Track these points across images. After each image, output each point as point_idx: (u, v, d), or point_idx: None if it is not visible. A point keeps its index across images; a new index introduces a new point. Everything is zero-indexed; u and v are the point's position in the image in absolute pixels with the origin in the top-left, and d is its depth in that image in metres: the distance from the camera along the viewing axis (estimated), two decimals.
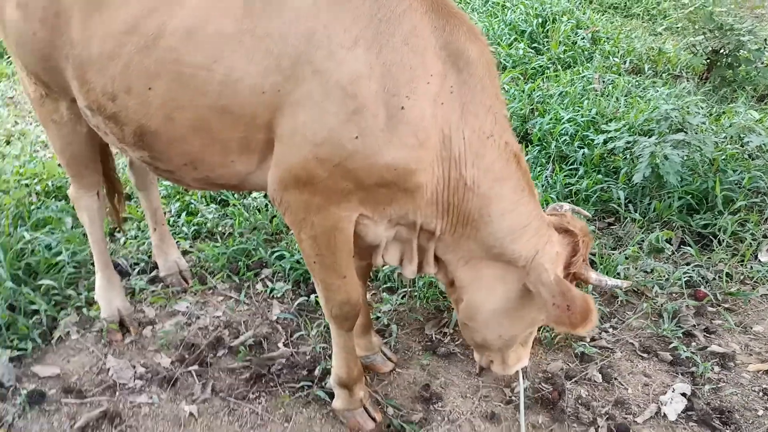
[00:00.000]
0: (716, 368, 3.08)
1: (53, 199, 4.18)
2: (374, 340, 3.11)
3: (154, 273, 3.70)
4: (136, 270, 3.73)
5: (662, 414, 2.82)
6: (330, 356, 3.05)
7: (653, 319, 3.38)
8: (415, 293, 3.49)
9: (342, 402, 2.82)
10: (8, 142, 5.13)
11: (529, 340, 2.68)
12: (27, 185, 4.12)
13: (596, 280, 2.37)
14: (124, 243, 3.96)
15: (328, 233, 2.29)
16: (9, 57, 6.68)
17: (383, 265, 3.35)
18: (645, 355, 3.16)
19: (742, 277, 3.64)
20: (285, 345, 3.25)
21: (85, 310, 3.39)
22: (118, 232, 4.01)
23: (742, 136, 4.33)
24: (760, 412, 2.85)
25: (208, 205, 4.24)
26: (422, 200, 2.23)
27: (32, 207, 4.00)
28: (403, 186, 2.16)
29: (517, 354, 2.67)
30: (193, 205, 4.23)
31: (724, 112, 4.97)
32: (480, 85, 2.15)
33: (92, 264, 3.65)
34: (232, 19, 2.11)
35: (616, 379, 3.02)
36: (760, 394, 2.95)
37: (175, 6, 2.18)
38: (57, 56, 2.51)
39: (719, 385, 2.99)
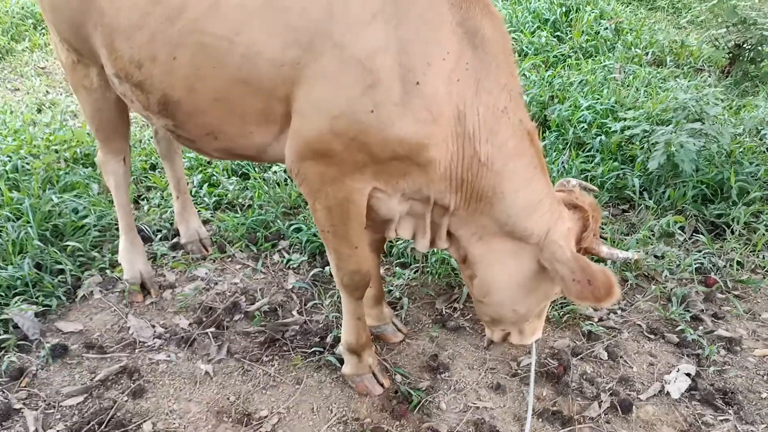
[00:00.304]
0: (722, 351, 3.12)
1: (81, 166, 4.30)
2: (386, 311, 3.19)
3: (175, 240, 3.81)
4: (158, 236, 3.84)
5: (666, 392, 2.87)
6: (341, 325, 3.15)
7: (662, 302, 3.43)
8: (428, 269, 3.57)
9: (351, 367, 2.90)
10: (39, 110, 5.27)
11: (544, 312, 2.73)
12: (56, 151, 4.24)
13: (608, 253, 2.41)
14: (148, 210, 4.07)
15: (342, 204, 2.35)
16: (43, 27, 6.84)
17: (397, 239, 3.45)
18: (652, 336, 3.21)
19: (753, 266, 3.67)
20: (299, 313, 3.34)
21: (108, 271, 3.51)
22: (142, 199, 4.13)
23: (760, 128, 4.34)
24: (764, 395, 2.89)
25: (229, 177, 4.34)
26: (435, 175, 2.27)
27: (60, 172, 4.13)
28: (416, 160, 2.21)
29: (532, 326, 2.72)
30: (215, 177, 4.33)
31: (744, 106, 4.97)
32: (495, 63, 2.18)
33: (116, 228, 3.79)
34: None
35: (621, 357, 3.08)
36: (765, 377, 2.99)
37: None
38: (88, 24, 2.60)
39: (724, 368, 3.03)
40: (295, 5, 2.12)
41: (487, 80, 2.16)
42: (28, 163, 4.13)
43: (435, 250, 3.51)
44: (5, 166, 4.05)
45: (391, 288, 3.47)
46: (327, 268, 3.56)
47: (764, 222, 3.87)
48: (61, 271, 3.45)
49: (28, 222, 3.53)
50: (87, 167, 4.31)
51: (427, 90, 2.08)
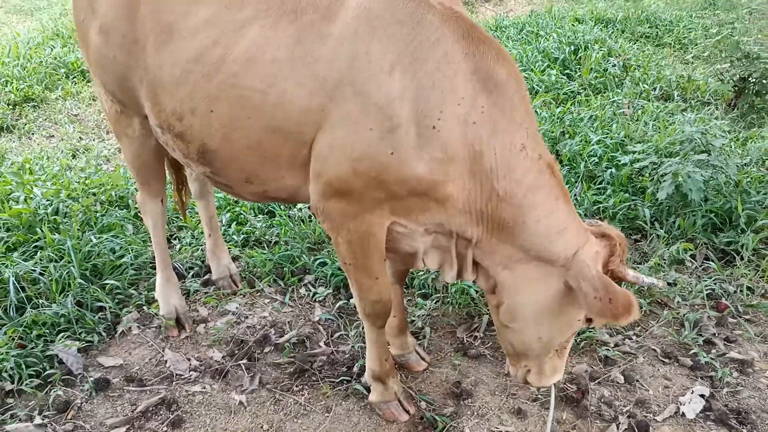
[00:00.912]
0: (735, 373, 3.23)
1: (116, 208, 4.53)
2: (409, 340, 3.34)
3: (207, 276, 4.00)
4: (191, 273, 4.04)
5: (681, 413, 2.99)
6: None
7: (675, 328, 3.55)
8: (448, 299, 3.72)
9: (378, 395, 3.04)
10: (74, 156, 5.54)
11: (565, 351, 2.78)
12: (94, 194, 4.47)
13: (633, 277, 2.49)
14: (180, 249, 4.28)
15: (363, 238, 2.53)
16: (74, 76, 7.18)
17: (418, 270, 3.62)
18: (666, 360, 3.33)
19: (763, 291, 3.79)
20: (326, 344, 3.50)
21: (145, 307, 3.70)
22: (174, 238, 4.35)
23: (765, 158, 4.49)
24: None
25: (256, 215, 4.55)
26: (454, 209, 2.43)
27: (98, 214, 4.36)
28: (433, 196, 2.38)
29: (553, 364, 2.76)
30: (242, 216, 4.54)
31: (750, 137, 5.13)
32: (509, 104, 2.34)
33: (152, 266, 4.00)
34: (285, 48, 2.38)
35: (637, 381, 3.20)
36: None
37: (236, 38, 2.47)
38: (133, 78, 2.83)
39: (737, 389, 3.14)
40: (321, 58, 2.33)
41: (503, 121, 2.32)
42: (67, 206, 4.37)
43: (453, 284, 3.69)
44: (46, 209, 4.29)
45: (414, 318, 3.62)
46: (351, 301, 3.72)
47: None
48: (101, 309, 3.65)
49: (70, 262, 3.74)
50: (122, 209, 4.54)
51: (442, 133, 2.26)
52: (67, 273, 3.69)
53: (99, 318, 3.58)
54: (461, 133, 2.28)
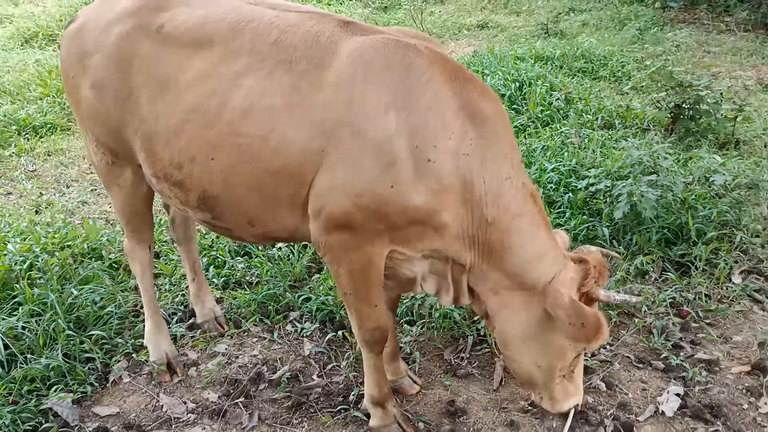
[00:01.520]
0: (704, 372, 3.49)
1: (91, 260, 4.53)
2: (401, 365, 3.48)
3: (191, 321, 4.05)
4: (175, 319, 4.08)
5: (660, 412, 3.21)
6: (361, 383, 3.42)
7: (644, 335, 3.80)
8: (433, 324, 3.88)
9: (378, 419, 3.16)
10: (37, 212, 5.50)
11: (576, 375, 2.91)
12: (69, 247, 4.47)
13: (605, 296, 2.66)
14: (160, 296, 4.31)
15: (364, 268, 2.68)
16: (26, 133, 7.12)
17: (409, 298, 3.76)
18: (640, 365, 3.57)
19: (719, 297, 4.10)
20: (319, 376, 3.59)
21: (134, 355, 3.72)
22: (154, 286, 4.38)
23: (707, 176, 4.87)
24: (745, 406, 3.26)
25: (233, 258, 4.63)
26: (450, 236, 2.61)
27: (73, 267, 4.35)
28: (430, 224, 2.55)
29: (563, 388, 2.88)
30: (219, 259, 4.62)
31: (690, 158, 5.54)
32: (496, 137, 2.57)
33: (134, 315, 4.04)
34: (281, 95, 2.54)
35: (617, 386, 3.41)
36: (744, 391, 3.36)
37: (233, 88, 2.61)
38: (126, 130, 2.93)
39: (708, 386, 3.39)
40: (318, 103, 2.50)
41: (490, 152, 2.53)
42: (42, 261, 4.35)
43: (437, 306, 3.86)
44: (21, 265, 4.26)
45: (402, 345, 3.76)
46: (340, 332, 3.84)
47: (723, 258, 4.33)
48: (90, 359, 3.65)
49: (55, 315, 3.73)
50: (96, 260, 4.54)
51: (437, 166, 2.45)
52: (52, 326, 3.68)
53: (89, 369, 3.58)
54: (454, 165, 2.47)
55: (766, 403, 3.25)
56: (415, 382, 3.49)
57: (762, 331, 3.71)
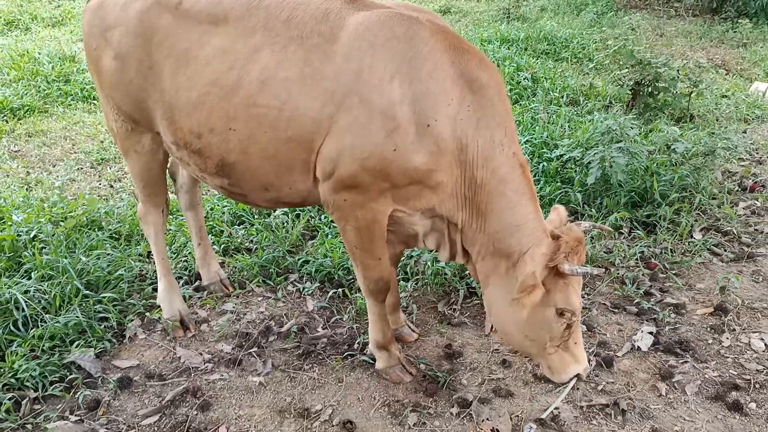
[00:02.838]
0: (672, 314, 3.90)
1: (92, 230, 4.68)
2: (401, 315, 3.78)
3: (197, 284, 4.27)
4: (181, 282, 4.28)
5: (636, 348, 3.59)
6: (365, 332, 3.71)
7: (618, 285, 4.19)
8: (426, 280, 4.19)
9: (383, 361, 3.45)
10: (28, 189, 5.60)
11: (570, 346, 2.96)
12: (72, 217, 4.62)
13: (569, 270, 2.74)
14: None
15: (369, 224, 2.94)
16: (4, 116, 7.14)
17: (405, 256, 4.05)
18: (615, 310, 3.96)
19: (682, 251, 4.53)
20: (324, 328, 3.86)
21: (147, 314, 3.93)
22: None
23: (669, 145, 5.30)
24: (710, 341, 3.67)
25: (230, 227, 4.85)
26: (444, 194, 2.86)
27: (75, 237, 4.51)
28: (427, 183, 2.81)
29: (561, 358, 2.96)
30: (216, 228, 4.83)
31: (651, 130, 5.98)
32: (491, 104, 2.78)
33: (141, 280, 4.22)
34: (295, 68, 2.76)
35: (596, 328, 3.79)
36: (708, 329, 3.78)
37: (249, 63, 2.83)
38: (148, 100, 3.13)
39: (676, 326, 3.80)
40: (328, 74, 2.73)
41: (485, 118, 2.76)
42: (44, 231, 4.48)
43: (430, 264, 4.17)
44: (27, 235, 4.40)
45: (400, 299, 4.05)
46: (340, 290, 4.11)
47: (684, 217, 4.76)
48: (104, 319, 3.84)
49: (69, 279, 3.90)
50: (98, 231, 4.69)
51: (436, 130, 2.70)
52: (68, 288, 3.85)
53: (105, 327, 3.77)
54: (451, 129, 2.72)
55: (727, 338, 3.67)
56: (413, 331, 3.79)
57: (721, 278, 4.14)
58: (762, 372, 3.42)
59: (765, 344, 3.62)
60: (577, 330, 2.98)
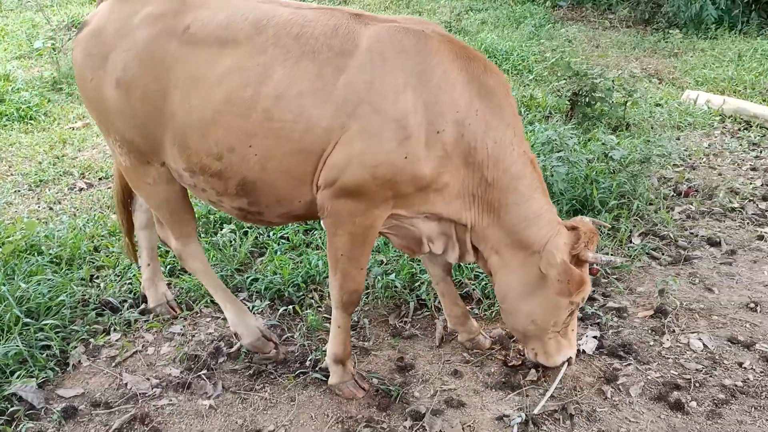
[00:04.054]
0: (615, 318, 4.02)
1: (31, 255, 4.53)
2: (474, 323, 3.77)
3: (142, 306, 4.18)
4: (126, 306, 4.19)
5: (582, 351, 3.68)
6: (316, 349, 3.71)
7: None
8: (377, 293, 4.21)
9: (337, 376, 3.44)
10: None
11: (568, 332, 3.26)
12: (10, 242, 4.47)
13: (593, 257, 2.99)
14: (105, 287, 4.38)
15: (365, 231, 2.98)
16: None
17: (374, 264, 4.06)
18: None
19: (623, 255, 4.67)
20: (275, 347, 3.84)
21: (92, 341, 3.82)
22: (97, 278, 4.46)
23: (606, 153, 5.48)
24: (651, 343, 3.80)
25: None
26: (450, 195, 2.95)
27: (15, 262, 4.36)
28: (434, 186, 2.90)
29: (556, 344, 3.24)
30: (161, 249, 4.74)
31: (589, 139, 6.17)
32: (499, 107, 2.91)
33: (84, 305, 4.11)
34: (308, 81, 2.82)
35: None
36: (649, 331, 3.90)
37: (264, 79, 2.86)
38: (155, 127, 3.06)
39: (619, 329, 3.92)
40: (340, 84, 2.79)
41: (494, 121, 2.89)
42: None
43: (380, 278, 4.20)
44: None
45: None
46: (290, 307, 4.09)
47: (623, 223, 4.93)
48: (46, 347, 3.72)
49: (8, 306, 3.77)
50: (38, 255, 4.55)
51: (445, 136, 2.81)
52: (8, 317, 3.72)
53: (47, 356, 3.66)
54: (459, 134, 2.83)
55: (668, 339, 3.80)
56: (486, 337, 3.76)
57: (660, 281, 4.29)
58: (701, 371, 3.56)
59: (703, 344, 3.76)
60: (575, 317, 3.26)
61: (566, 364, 3.40)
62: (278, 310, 4.11)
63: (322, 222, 3.11)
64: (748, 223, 5.23)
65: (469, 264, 4.40)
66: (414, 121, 2.77)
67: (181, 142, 3.03)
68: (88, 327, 3.93)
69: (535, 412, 3.25)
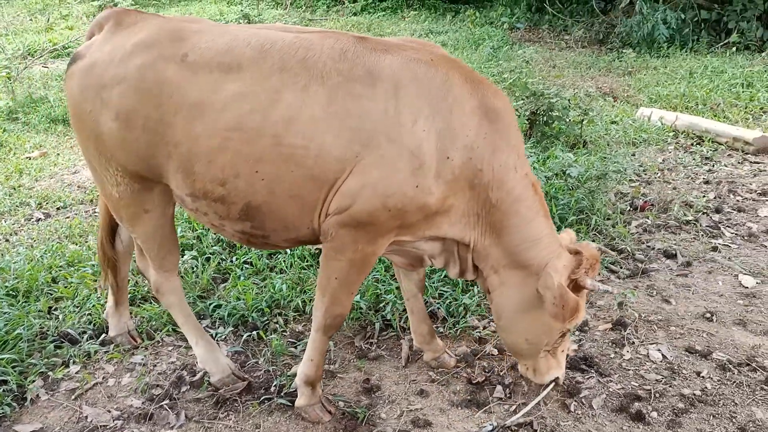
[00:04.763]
0: (577, 332, 4.07)
1: None
2: (439, 342, 3.81)
3: (102, 337, 4.10)
4: (85, 337, 4.10)
5: None
6: (281, 374, 3.69)
7: None
8: None
9: (305, 399, 3.39)
10: None
11: (558, 353, 3.31)
12: None
13: (591, 285, 3.02)
14: (65, 319, 4.29)
15: (366, 258, 2.99)
16: None
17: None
18: None
19: None
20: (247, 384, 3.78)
21: (50, 374, 3.73)
22: (56, 309, 4.37)
23: (564, 170, 5.59)
24: (612, 355, 3.86)
25: (136, 275, 4.70)
26: (456, 216, 2.98)
27: None
28: (440, 210, 2.92)
29: (547, 363, 3.29)
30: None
31: (548, 157, 6.29)
32: (506, 131, 2.96)
33: (42, 338, 4.02)
34: (319, 106, 2.80)
35: (506, 351, 3.91)
36: (609, 343, 3.97)
37: (272, 104, 2.82)
38: (159, 155, 3.00)
39: (581, 342, 3.98)
40: (354, 112, 2.79)
41: (501, 144, 2.92)
42: None
43: None
44: None
45: None
46: (254, 333, 4.06)
47: (582, 238, 5.01)
48: (3, 382, 3.63)
49: None
50: None
51: (454, 160, 2.83)
52: None
53: (4, 391, 3.56)
54: (468, 158, 2.85)
55: (628, 351, 3.87)
56: (451, 356, 3.79)
57: (618, 294, 4.37)
58: (660, 381, 3.63)
59: (662, 355, 3.84)
60: (567, 339, 3.32)
61: (552, 383, 3.44)
62: (242, 336, 4.07)
63: (322, 245, 3.08)
64: (702, 235, 5.38)
65: (434, 284, 4.45)
66: (426, 149, 2.78)
67: (185, 169, 2.97)
68: (46, 360, 3.84)
69: (507, 423, 3.29)
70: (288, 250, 4.86)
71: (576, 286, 3.06)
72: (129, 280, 4.56)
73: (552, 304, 2.93)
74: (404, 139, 2.78)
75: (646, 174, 6.68)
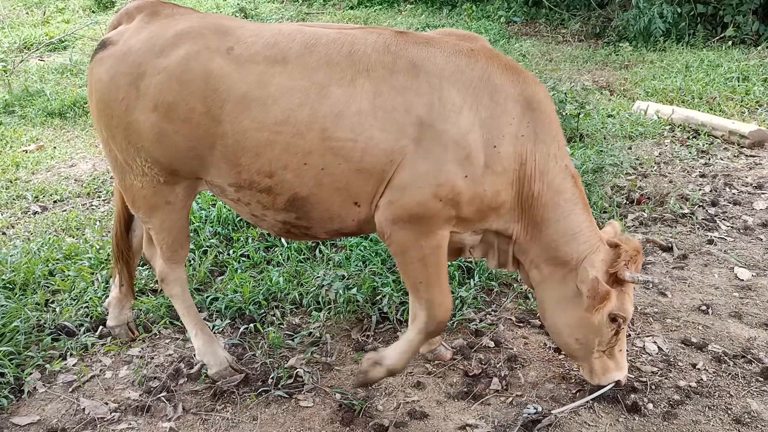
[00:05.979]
0: None
1: None
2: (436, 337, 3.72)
3: (99, 331, 4.10)
4: (83, 330, 4.10)
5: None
6: (278, 366, 3.70)
7: (521, 300, 4.37)
8: (339, 308, 4.21)
9: (377, 375, 3.32)
10: None
11: (615, 352, 3.20)
12: None
13: (629, 277, 2.97)
14: (62, 312, 4.30)
15: (435, 251, 2.99)
16: None
17: (315, 285, 4.08)
18: (521, 324, 4.12)
19: None
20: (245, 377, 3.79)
21: (47, 366, 3.74)
22: (52, 302, 4.37)
23: None
24: None
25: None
26: (504, 210, 3.00)
27: None
28: (492, 205, 2.94)
29: (602, 364, 3.20)
30: None
31: None
32: (547, 120, 2.97)
33: (39, 330, 4.02)
34: (366, 100, 2.82)
35: (503, 343, 3.92)
36: None
37: (320, 98, 2.85)
38: (201, 147, 2.98)
39: None
40: (399, 105, 2.82)
41: (542, 133, 2.93)
42: None
43: (342, 292, 4.21)
44: None
45: (311, 330, 4.06)
46: (251, 325, 4.07)
47: None
48: (0, 374, 3.63)
49: None
50: None
51: (501, 151, 2.85)
52: None
53: (1, 383, 3.56)
54: (513, 147, 2.88)
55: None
56: (447, 348, 3.79)
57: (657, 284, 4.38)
58: (656, 373, 3.65)
59: (658, 347, 3.85)
60: (623, 337, 3.20)
61: (611, 385, 3.31)
62: (239, 328, 4.08)
63: (394, 258, 3.09)
64: (698, 228, 5.40)
65: None
66: (472, 139, 2.81)
67: (230, 161, 2.97)
68: (43, 352, 3.84)
69: (553, 412, 3.28)
70: (285, 243, 4.87)
71: (616, 280, 3.02)
72: None
73: (587, 297, 2.92)
74: (448, 129, 2.80)
75: (642, 167, 6.69)
